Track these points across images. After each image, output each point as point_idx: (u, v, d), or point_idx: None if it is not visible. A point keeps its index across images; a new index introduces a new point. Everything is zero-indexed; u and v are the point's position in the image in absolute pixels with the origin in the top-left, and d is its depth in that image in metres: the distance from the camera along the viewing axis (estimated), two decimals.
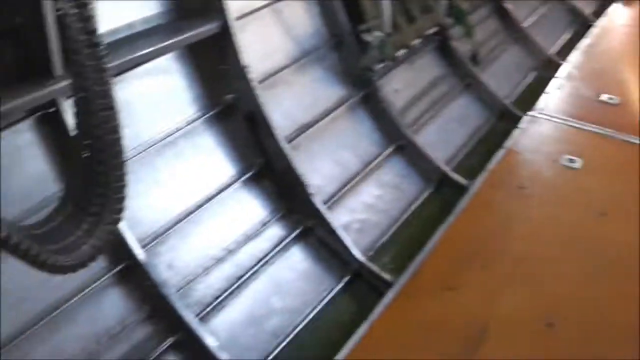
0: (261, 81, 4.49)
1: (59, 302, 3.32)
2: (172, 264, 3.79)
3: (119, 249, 3.51)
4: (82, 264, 2.87)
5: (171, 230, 3.85)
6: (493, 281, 4.06)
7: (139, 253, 3.55)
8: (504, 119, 6.02)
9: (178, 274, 3.79)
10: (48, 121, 3.37)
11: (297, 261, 4.23)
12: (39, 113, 3.33)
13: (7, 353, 3.09)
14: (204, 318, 3.71)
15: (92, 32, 2.62)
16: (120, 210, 2.94)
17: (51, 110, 3.33)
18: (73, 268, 2.83)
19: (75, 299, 3.37)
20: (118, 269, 3.56)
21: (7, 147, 3.26)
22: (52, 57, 3.11)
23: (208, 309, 3.78)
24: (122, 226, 3.43)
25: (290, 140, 4.51)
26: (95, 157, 2.84)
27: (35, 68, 3.19)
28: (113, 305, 3.53)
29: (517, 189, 4.87)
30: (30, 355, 3.18)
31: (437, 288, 4.08)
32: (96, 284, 3.47)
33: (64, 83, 3.17)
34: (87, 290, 3.43)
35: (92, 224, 2.90)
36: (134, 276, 3.57)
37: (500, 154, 5.19)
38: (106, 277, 3.51)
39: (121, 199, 2.92)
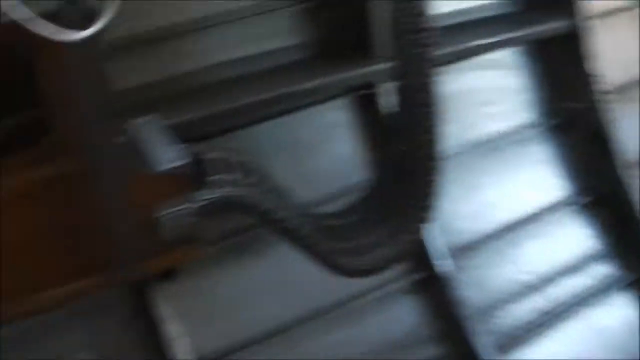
0: (613, 93, 3.65)
1: (345, 299, 2.90)
2: (478, 283, 3.20)
3: (422, 255, 3.02)
4: (376, 270, 2.51)
5: (484, 244, 3.25)
6: None
7: (444, 264, 3.03)
8: None
9: (482, 295, 3.20)
10: (363, 103, 2.96)
11: (622, 309, 3.44)
12: (355, 93, 2.93)
13: (276, 341, 2.76)
14: (501, 350, 3.11)
15: (418, 14, 2.16)
16: (425, 219, 2.49)
17: (368, 92, 2.91)
18: (365, 272, 2.49)
19: (363, 298, 2.93)
20: (418, 277, 3.06)
21: (319, 124, 2.93)
22: (373, 36, 2.69)
23: (508, 341, 3.16)
24: (430, 231, 2.93)
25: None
26: (407, 155, 2.41)
27: (356, 45, 2.79)
28: (403, 315, 3.06)
29: None
30: (300, 348, 2.81)
31: None
32: (389, 287, 3.00)
33: (382, 66, 2.72)
34: (378, 292, 2.97)
35: (394, 227, 2.48)
36: (433, 288, 3.07)
37: None
38: (402, 282, 3.04)
39: (428, 207, 2.46)
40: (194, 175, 2.16)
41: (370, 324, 2.95)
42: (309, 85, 2.67)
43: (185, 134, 2.23)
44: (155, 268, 2.12)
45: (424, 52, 2.25)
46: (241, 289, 2.73)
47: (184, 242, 2.07)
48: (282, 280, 2.76)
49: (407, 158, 2.41)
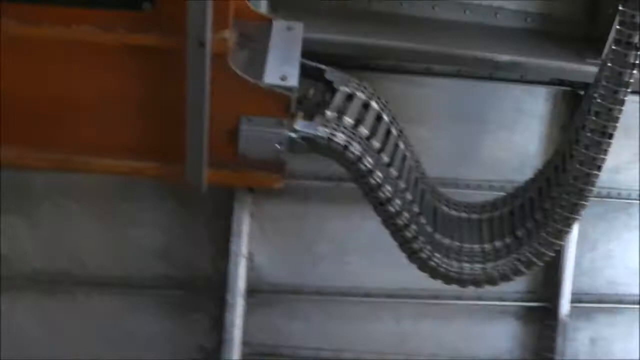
0: None
1: (432, 292, 2.60)
2: (595, 340, 2.79)
3: (546, 286, 2.68)
4: (471, 282, 2.11)
5: (620, 305, 2.78)
6: None
7: (563, 304, 2.63)
8: None
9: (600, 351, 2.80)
10: (569, 101, 2.54)
11: None
12: (563, 88, 2.53)
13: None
14: None
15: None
16: (552, 246, 2.03)
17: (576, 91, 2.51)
18: (462, 281, 2.10)
19: (458, 300, 2.63)
20: (533, 304, 2.71)
21: (510, 106, 2.54)
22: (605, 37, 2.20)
23: None
24: (567, 265, 2.60)
25: None
26: (562, 175, 2.00)
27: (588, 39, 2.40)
28: (504, 334, 2.73)
29: None
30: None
31: None
32: (501, 303, 2.69)
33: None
34: (488, 302, 2.67)
35: (516, 242, 2.10)
36: (541, 320, 2.71)
37: None
38: (515, 304, 2.71)
39: (561, 235, 2.01)
40: (307, 102, 1.90)
41: (457, 328, 2.69)
42: (505, 58, 2.29)
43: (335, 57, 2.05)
44: (224, 180, 1.88)
45: (625, 67, 1.76)
46: (324, 236, 2.54)
47: (260, 166, 1.81)
48: (370, 244, 2.49)
49: (561, 178, 2.00)
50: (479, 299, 2.61)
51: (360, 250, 2.53)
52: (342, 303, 2.58)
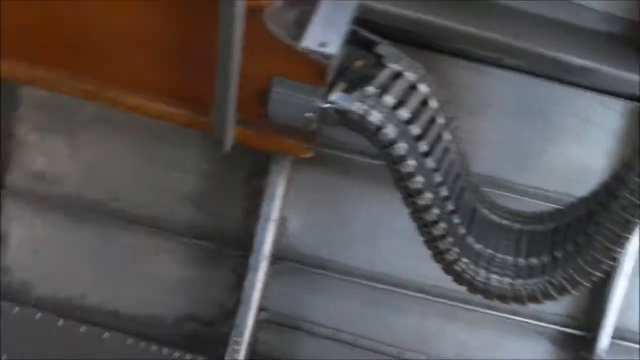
0: None
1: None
2: None
3: (589, 314, 2.51)
4: (496, 296, 1.98)
5: None
6: None
7: (603, 338, 2.45)
8: None
9: None
10: None
11: None
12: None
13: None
14: None
15: None
16: (580, 277, 1.89)
17: None
18: (487, 293, 1.98)
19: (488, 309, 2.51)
20: (571, 331, 2.54)
21: (579, 113, 2.38)
22: None
23: None
24: (614, 297, 2.42)
25: None
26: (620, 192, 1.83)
27: None
28: (535, 356, 2.60)
29: None
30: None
31: None
32: (537, 322, 2.55)
33: None
34: (522, 318, 2.54)
35: (550, 265, 1.96)
36: (577, 350, 2.55)
37: None
38: (551, 326, 2.56)
39: (597, 264, 1.85)
40: (351, 73, 1.80)
41: (485, 338, 2.57)
42: (577, 62, 2.14)
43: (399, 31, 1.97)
44: (251, 141, 1.82)
45: None
46: (361, 216, 2.47)
47: (290, 133, 1.74)
48: (407, 233, 2.32)
49: (610, 204, 1.84)
50: (514, 313, 2.49)
51: (396, 236, 2.44)
52: (369, 288, 2.51)
